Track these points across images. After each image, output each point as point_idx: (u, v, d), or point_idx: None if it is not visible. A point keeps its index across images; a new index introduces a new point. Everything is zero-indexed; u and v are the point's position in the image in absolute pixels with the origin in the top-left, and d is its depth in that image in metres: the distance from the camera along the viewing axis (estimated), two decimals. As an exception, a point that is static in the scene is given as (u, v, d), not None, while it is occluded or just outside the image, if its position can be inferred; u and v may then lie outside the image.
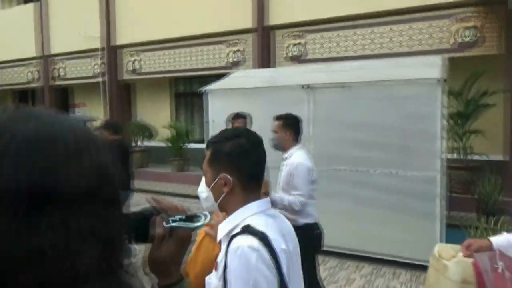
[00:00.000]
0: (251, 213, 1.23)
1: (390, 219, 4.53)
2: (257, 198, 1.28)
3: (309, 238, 2.79)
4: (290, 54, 9.04)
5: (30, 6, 13.55)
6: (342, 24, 8.26)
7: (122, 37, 11.61)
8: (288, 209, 2.84)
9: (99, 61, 12.18)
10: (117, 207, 0.47)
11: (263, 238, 1.12)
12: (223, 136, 1.33)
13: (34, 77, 14.06)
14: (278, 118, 3.09)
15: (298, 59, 8.89)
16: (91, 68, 12.58)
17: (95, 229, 0.43)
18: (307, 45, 8.82)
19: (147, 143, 11.60)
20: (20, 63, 14.24)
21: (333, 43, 8.43)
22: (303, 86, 4.91)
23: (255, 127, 3.27)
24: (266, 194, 2.62)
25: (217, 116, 5.44)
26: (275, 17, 9.01)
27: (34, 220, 0.39)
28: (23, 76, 14.37)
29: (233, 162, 1.26)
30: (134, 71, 11.74)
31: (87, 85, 13.53)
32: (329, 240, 4.76)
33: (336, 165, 4.84)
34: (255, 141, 1.32)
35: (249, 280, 1.08)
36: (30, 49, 13.50)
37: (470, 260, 1.79)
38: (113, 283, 0.45)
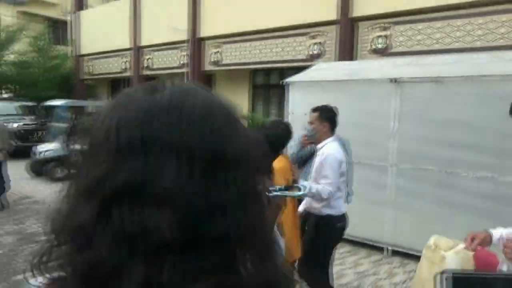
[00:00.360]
0: None
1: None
2: None
3: (330, 229, 2.85)
4: (374, 47, 8.68)
5: (126, 1, 14.66)
6: (433, 15, 7.71)
7: (206, 30, 12.09)
8: (316, 197, 2.89)
9: (184, 53, 12.84)
10: (260, 174, 0.54)
11: None
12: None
13: (127, 67, 15.26)
14: (315, 110, 3.11)
15: (382, 52, 8.51)
16: (177, 59, 13.30)
17: (255, 190, 0.49)
18: (393, 37, 8.39)
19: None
20: (115, 54, 15.54)
21: (422, 35, 7.92)
22: (391, 80, 4.69)
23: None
24: (295, 181, 2.70)
25: (296, 108, 5.42)
26: (360, 8, 8.70)
27: (217, 178, 0.45)
28: (117, 66, 15.68)
29: None
30: (215, 62, 12.18)
31: (171, 76, 14.35)
32: (407, 241, 4.58)
33: (421, 164, 4.57)
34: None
35: None
36: (124, 41, 14.65)
37: (471, 252, 1.73)
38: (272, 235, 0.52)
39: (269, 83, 12.30)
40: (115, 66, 15.82)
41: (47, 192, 7.63)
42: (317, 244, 2.97)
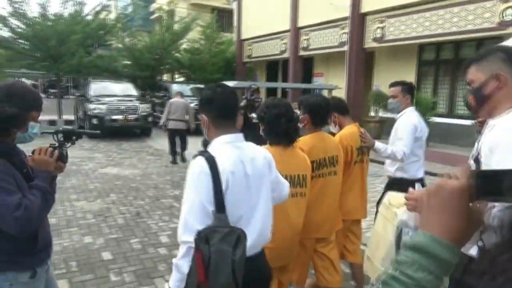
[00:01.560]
0: (220, 143, 1.69)
1: None
2: (229, 133, 1.71)
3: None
4: None
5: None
6: None
7: (369, 4, 11.30)
8: (392, 158, 3.16)
9: (344, 31, 12.34)
10: None
11: (208, 158, 1.60)
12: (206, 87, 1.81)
13: (285, 49, 15.57)
14: (397, 84, 3.38)
15: None
16: (335, 37, 12.89)
17: None
18: None
19: (382, 114, 11.17)
20: (274, 36, 16.01)
21: None
22: None
23: None
24: (369, 146, 3.03)
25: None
26: None
27: None
28: (276, 48, 16.15)
29: (203, 106, 1.75)
30: (377, 39, 11.33)
31: (327, 55, 14.03)
32: None
33: None
34: (222, 91, 1.73)
35: (194, 184, 1.60)
36: (283, 23, 14.92)
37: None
38: None
39: (440, 58, 10.87)
40: (273, 49, 16.33)
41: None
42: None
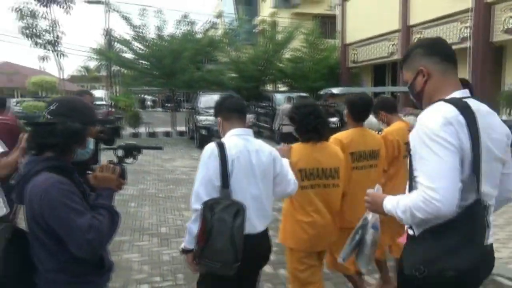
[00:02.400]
0: (230, 135, 2.11)
1: None
2: (238, 127, 2.14)
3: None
4: None
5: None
6: None
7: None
8: None
9: (465, 24, 10.90)
10: None
11: (219, 144, 2.02)
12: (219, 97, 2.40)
13: (394, 50, 14.46)
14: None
15: None
16: (455, 33, 11.48)
17: None
18: None
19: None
20: (381, 38, 15.01)
21: None
22: None
23: None
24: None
25: None
26: None
27: None
28: (384, 50, 15.11)
29: (217, 110, 2.24)
30: (509, 30, 9.72)
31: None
32: None
33: None
34: (229, 97, 2.28)
35: (205, 163, 2.00)
36: (392, 23, 13.88)
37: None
38: None
39: None
40: (380, 51, 15.32)
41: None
42: None
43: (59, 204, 1.39)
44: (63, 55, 13.68)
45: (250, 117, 12.75)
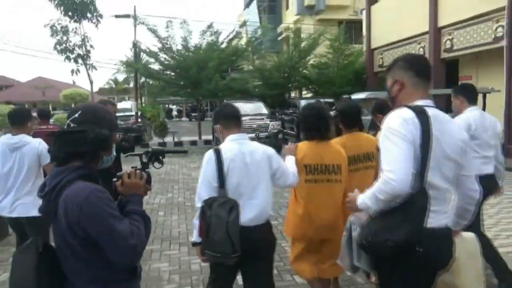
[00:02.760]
0: (227, 141, 2.43)
1: None
2: (235, 132, 2.44)
3: None
4: None
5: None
6: None
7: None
8: None
9: (500, 23, 10.48)
10: None
11: (215, 150, 2.37)
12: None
13: (423, 53, 14.09)
14: (453, 89, 3.65)
15: None
16: (491, 32, 11.05)
17: None
18: None
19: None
20: (409, 41, 14.67)
21: None
22: None
23: None
24: None
25: None
26: None
27: None
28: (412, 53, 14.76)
29: (215, 116, 2.59)
30: (547, 27, 9.26)
31: (476, 55, 12.12)
32: None
33: None
34: (225, 106, 2.75)
35: (204, 168, 2.35)
36: (420, 25, 13.54)
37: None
38: None
39: None
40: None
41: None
42: None
43: (101, 212, 1.37)
44: (94, 68, 14.08)
45: (275, 124, 12.68)
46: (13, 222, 3.46)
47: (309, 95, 20.36)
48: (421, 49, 14.08)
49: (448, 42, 12.71)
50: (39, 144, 3.34)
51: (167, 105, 38.13)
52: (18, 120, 3.42)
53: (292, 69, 18.05)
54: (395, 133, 1.70)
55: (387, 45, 16.07)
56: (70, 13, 12.54)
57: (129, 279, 1.54)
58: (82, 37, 13.29)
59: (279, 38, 25.62)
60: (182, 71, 16.34)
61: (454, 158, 1.80)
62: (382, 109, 3.48)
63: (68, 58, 13.13)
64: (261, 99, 16.41)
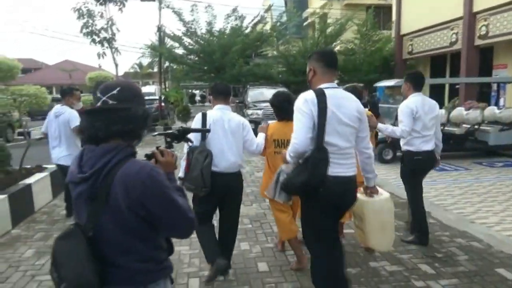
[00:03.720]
0: (214, 109, 3.32)
1: None
2: (222, 104, 3.34)
3: (408, 161, 4.04)
4: None
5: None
6: None
7: None
8: (392, 135, 4.03)
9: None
10: None
11: (203, 113, 3.29)
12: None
13: (455, 40, 13.48)
14: (405, 76, 4.30)
15: None
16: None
17: None
18: None
19: None
20: (441, 27, 14.06)
21: None
22: None
23: None
24: (374, 127, 3.83)
25: None
26: None
27: None
28: (443, 40, 14.15)
29: (210, 90, 3.75)
30: None
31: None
32: None
33: None
34: (217, 83, 3.55)
35: (193, 124, 3.29)
36: (454, 9, 12.94)
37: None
38: None
39: None
40: (440, 41, 14.36)
41: (378, 173, 7.48)
42: (403, 172, 4.18)
43: (164, 188, 1.37)
44: (118, 52, 14.17)
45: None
46: (61, 170, 5.02)
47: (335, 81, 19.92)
48: (454, 36, 13.48)
49: (483, 28, 12.09)
50: (69, 114, 4.85)
51: (190, 90, 38.27)
52: (61, 95, 5.16)
53: (317, 55, 17.67)
54: (299, 110, 2.41)
55: (418, 31, 15.47)
56: (96, -4, 12.59)
57: (167, 256, 1.55)
58: (108, 20, 13.34)
59: (305, 23, 25.12)
60: (205, 56, 16.28)
61: (351, 125, 2.47)
62: (352, 93, 3.64)
63: (93, 41, 13.24)
64: (285, 85, 16.17)
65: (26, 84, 6.38)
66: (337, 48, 18.39)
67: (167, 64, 23.71)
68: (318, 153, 2.34)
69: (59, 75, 33.01)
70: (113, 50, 14.00)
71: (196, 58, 17.45)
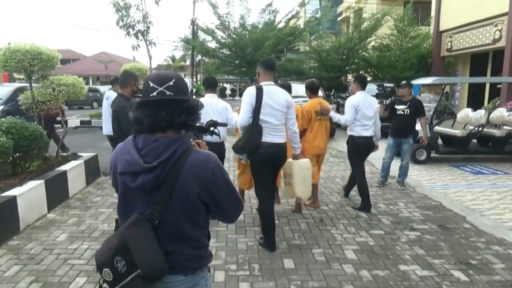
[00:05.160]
0: (206, 97, 4.54)
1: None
2: (211, 93, 4.58)
3: (350, 143, 5.21)
4: None
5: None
6: None
7: None
8: (339, 122, 5.29)
9: None
10: None
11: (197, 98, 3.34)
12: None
13: (499, 36, 12.83)
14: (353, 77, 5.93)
15: None
16: None
17: None
18: None
19: None
20: (484, 23, 13.41)
21: None
22: None
23: None
24: (327, 113, 5.05)
25: None
26: None
27: None
28: (486, 37, 13.50)
29: (203, 82, 6.70)
30: None
31: None
32: None
33: None
34: (208, 77, 5.13)
35: None
36: (499, 5, 12.31)
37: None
38: None
39: None
40: (482, 38, 13.70)
41: (411, 174, 7.26)
42: (348, 152, 5.36)
43: (226, 176, 1.47)
44: (153, 44, 14.39)
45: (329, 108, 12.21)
46: (110, 139, 6.42)
47: (368, 78, 19.47)
48: (497, 32, 12.83)
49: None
50: (110, 98, 5.83)
51: (221, 84, 38.53)
52: (110, 83, 6.15)
53: (351, 51, 17.28)
54: (244, 99, 3.66)
55: (458, 27, 14.84)
56: (133, -11, 12.80)
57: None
58: (143, 13, 13.57)
59: (339, 18, 24.64)
60: (238, 50, 16.29)
61: (280, 109, 3.70)
62: (311, 87, 5.17)
63: (128, 33, 13.49)
64: (317, 81, 15.94)
65: (64, 74, 6.57)
66: (371, 44, 17.93)
67: (199, 57, 23.94)
68: (253, 127, 3.63)
69: (96, 66, 34.04)
70: (147, 42, 14.24)
71: (228, 52, 17.49)
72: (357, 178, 5.20)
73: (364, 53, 18.02)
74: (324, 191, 6.12)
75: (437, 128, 8.45)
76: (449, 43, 15.61)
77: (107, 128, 6.27)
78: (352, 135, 5.16)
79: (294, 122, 3.88)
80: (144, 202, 1.40)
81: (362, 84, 5.21)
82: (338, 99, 14.91)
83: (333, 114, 5.21)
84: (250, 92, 3.61)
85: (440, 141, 8.68)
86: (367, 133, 5.10)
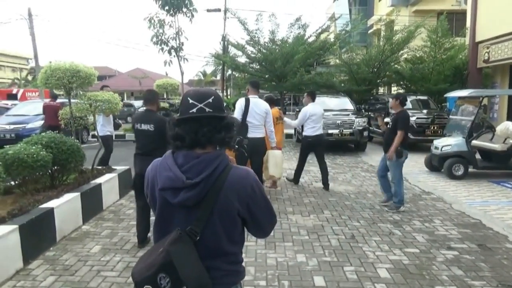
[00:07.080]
0: (250, 97, 5.93)
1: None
2: (254, 94, 5.96)
3: (303, 142, 7.18)
4: None
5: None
6: None
7: None
8: (290, 125, 7.80)
9: None
10: None
11: None
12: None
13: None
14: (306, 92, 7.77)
15: None
16: None
17: None
18: None
19: None
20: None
21: None
22: None
23: None
24: (281, 118, 7.35)
25: None
26: None
27: None
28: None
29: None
30: None
31: None
32: None
33: None
34: (254, 80, 9.25)
35: None
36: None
37: None
38: None
39: None
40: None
41: (447, 190, 6.98)
42: (300, 148, 7.34)
43: (264, 192, 1.51)
44: (186, 60, 14.76)
45: (361, 121, 12.01)
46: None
47: (401, 91, 19.05)
48: (538, 42, 12.28)
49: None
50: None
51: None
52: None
53: (383, 64, 17.02)
54: (236, 107, 5.68)
55: (495, 37, 14.32)
56: (167, 7, 13.25)
57: None
58: (177, 30, 13.97)
59: (370, 31, 24.40)
60: (267, 64, 16.40)
61: (261, 114, 5.70)
62: (269, 100, 6.61)
63: (162, 49, 13.90)
64: (347, 95, 15.76)
65: (101, 91, 6.83)
66: (404, 56, 17.59)
67: (229, 72, 24.31)
68: (241, 126, 5.37)
69: (130, 82, 35.24)
70: (180, 58, 14.62)
71: (258, 67, 17.66)
72: (299, 164, 7.34)
73: (396, 65, 17.69)
74: (356, 206, 5.98)
75: (475, 142, 8.11)
76: (486, 54, 15.08)
77: None
78: (305, 135, 7.05)
79: (271, 124, 6.01)
80: (183, 218, 1.40)
81: (312, 97, 7.15)
82: (370, 113, 14.59)
83: (286, 120, 7.39)
84: (241, 103, 5.67)
85: (478, 156, 8.32)
86: (317, 131, 6.97)
